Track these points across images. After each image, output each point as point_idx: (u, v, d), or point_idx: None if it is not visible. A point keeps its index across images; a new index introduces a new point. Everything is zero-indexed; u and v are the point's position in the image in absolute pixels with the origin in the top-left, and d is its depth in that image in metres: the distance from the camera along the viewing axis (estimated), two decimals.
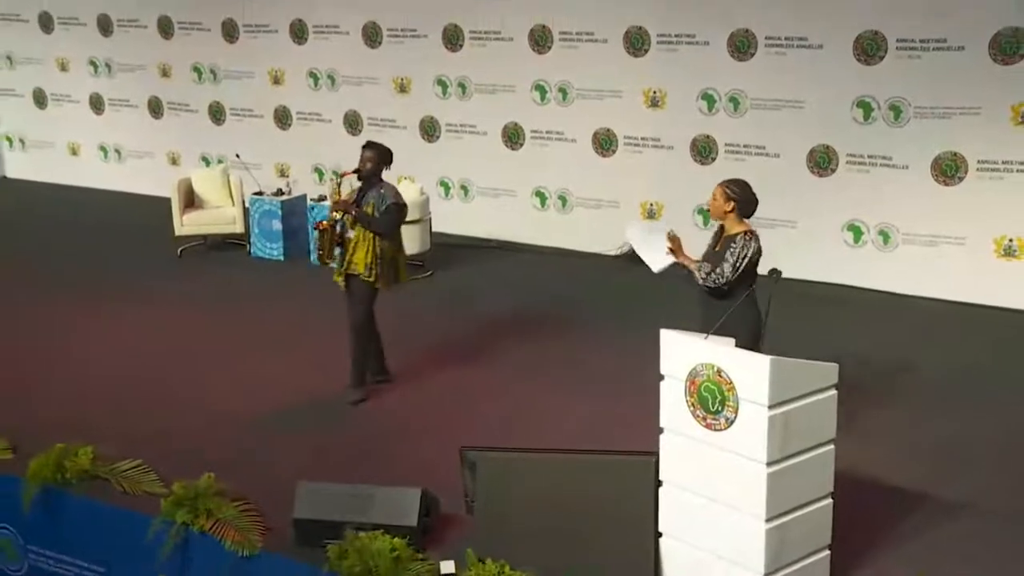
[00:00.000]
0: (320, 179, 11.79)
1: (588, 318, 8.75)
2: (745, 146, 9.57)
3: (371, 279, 7.05)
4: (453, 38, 10.86)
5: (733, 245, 5.58)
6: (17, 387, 7.52)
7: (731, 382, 4.56)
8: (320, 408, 7.12)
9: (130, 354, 8.19)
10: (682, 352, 4.75)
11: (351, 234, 7.07)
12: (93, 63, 13.53)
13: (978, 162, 8.66)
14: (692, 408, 4.73)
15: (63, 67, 13.82)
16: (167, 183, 11.18)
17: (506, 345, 8.17)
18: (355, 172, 7.17)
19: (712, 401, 4.64)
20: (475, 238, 10.96)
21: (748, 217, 5.65)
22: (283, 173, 11.88)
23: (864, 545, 5.29)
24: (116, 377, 7.72)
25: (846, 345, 7.62)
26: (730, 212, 5.62)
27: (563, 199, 10.68)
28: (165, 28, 12.82)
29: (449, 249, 10.61)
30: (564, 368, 7.73)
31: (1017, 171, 8.52)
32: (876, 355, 7.80)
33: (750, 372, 4.50)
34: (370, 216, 7.01)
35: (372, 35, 11.34)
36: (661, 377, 4.88)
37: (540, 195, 10.79)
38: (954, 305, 8.82)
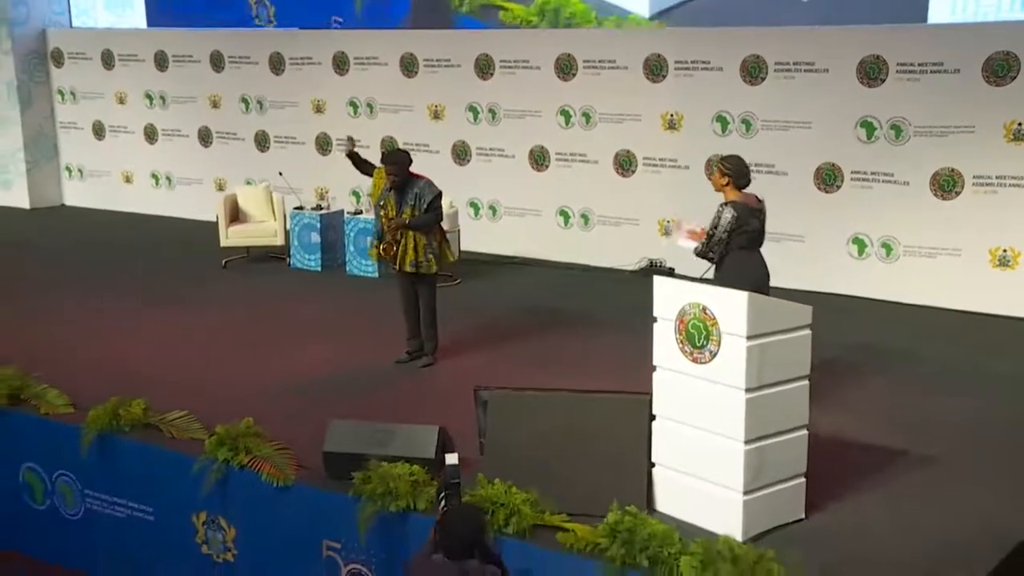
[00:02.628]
0: (357, 201, 12.47)
1: (604, 322, 9.27)
2: (756, 165, 10.03)
3: (432, 268, 7.87)
4: (484, 67, 11.62)
5: (714, 216, 6.27)
6: (77, 365, 8.13)
7: (715, 318, 5.13)
8: (349, 381, 7.71)
9: (179, 341, 8.82)
10: (672, 295, 5.32)
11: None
12: (149, 96, 14.43)
13: (974, 177, 9.20)
14: (681, 345, 5.29)
15: (121, 100, 14.73)
16: (214, 208, 11.95)
17: (523, 340, 8.70)
18: (391, 188, 7.86)
19: (698, 337, 5.20)
20: (502, 256, 11.58)
21: (743, 188, 6.30)
22: (322, 196, 12.60)
23: (840, 485, 5.76)
24: (167, 357, 8.34)
25: (843, 343, 8.22)
26: (726, 185, 6.34)
27: (585, 217, 11.31)
28: (217, 62, 13.70)
29: (477, 265, 11.24)
30: (577, 358, 8.24)
31: (1010, 185, 9.05)
32: (870, 353, 8.31)
33: (731, 308, 5.07)
34: (417, 218, 7.75)
35: (409, 65, 12.13)
36: (654, 320, 5.45)
37: (564, 214, 11.43)
38: (951, 313, 9.29)
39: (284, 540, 6.09)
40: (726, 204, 6.31)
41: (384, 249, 7.92)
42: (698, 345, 5.21)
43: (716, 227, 6.27)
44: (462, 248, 10.94)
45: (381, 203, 7.99)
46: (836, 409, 6.87)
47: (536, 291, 10.44)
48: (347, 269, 11.13)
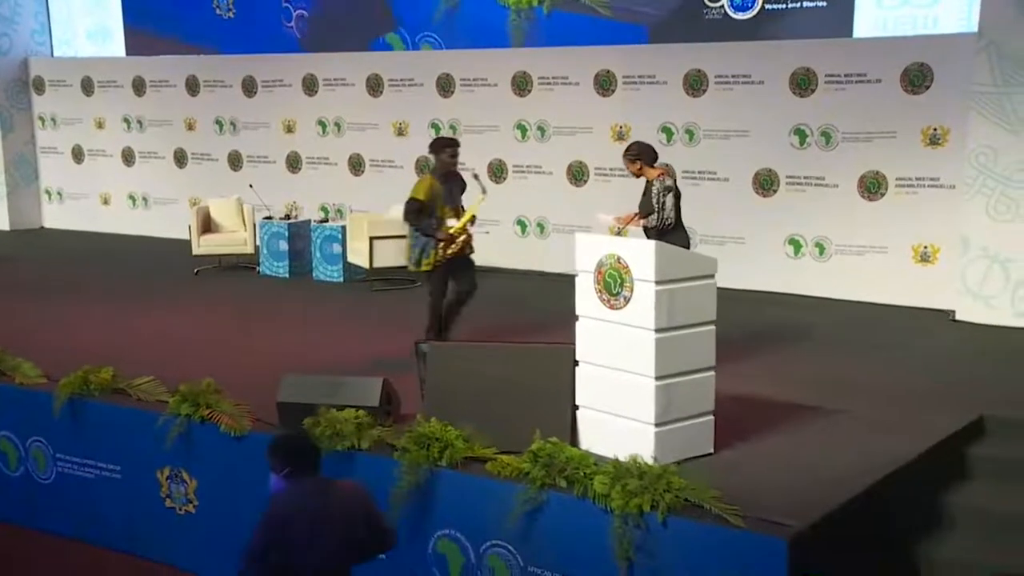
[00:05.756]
0: (325, 215, 13.03)
1: (555, 314, 9.59)
2: (699, 172, 10.80)
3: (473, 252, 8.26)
4: (446, 85, 12.27)
5: (653, 190, 6.94)
6: (51, 352, 8.51)
7: (628, 266, 5.69)
8: (312, 367, 8.14)
9: (150, 334, 9.26)
10: (591, 249, 5.89)
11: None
12: (127, 120, 15.02)
13: (896, 179, 9.85)
14: (599, 294, 5.85)
15: (100, 125, 15.31)
16: (187, 221, 12.50)
17: (481, 332, 9.19)
18: (444, 178, 8.05)
19: (614, 285, 5.76)
20: None
21: (655, 163, 6.99)
22: (291, 209, 13.16)
23: (750, 431, 6.30)
24: (137, 345, 8.79)
25: (775, 331, 8.83)
26: (640, 169, 7.05)
27: (541, 226, 11.91)
28: (192, 86, 14.33)
29: None
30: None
31: (929, 186, 9.70)
32: (800, 338, 8.91)
33: (641, 256, 5.64)
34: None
35: (375, 85, 12.78)
36: (576, 274, 6.02)
37: (521, 223, 12.02)
38: (879, 306, 9.87)
39: (241, 488, 6.55)
40: (659, 176, 7.00)
41: (456, 234, 7.93)
42: (614, 292, 5.77)
43: (663, 194, 6.96)
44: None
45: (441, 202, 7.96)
46: (760, 378, 7.44)
47: (494, 294, 10.88)
48: (313, 275, 11.68)
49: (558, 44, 11.63)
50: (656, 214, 7.08)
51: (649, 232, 7.33)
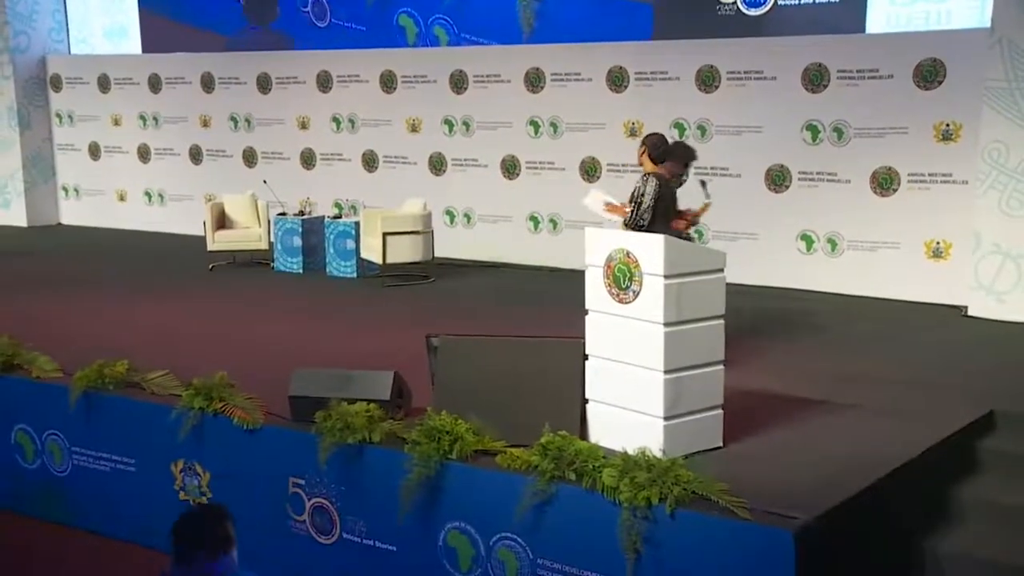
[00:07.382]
0: (339, 211, 13.09)
1: (566, 309, 9.77)
2: (711, 168, 10.71)
3: None
4: (459, 82, 12.31)
5: (636, 187, 6.95)
6: (67, 345, 8.65)
7: (637, 261, 5.72)
8: (324, 359, 8.23)
9: (164, 328, 9.35)
10: (601, 244, 5.92)
11: None
12: (143, 117, 15.12)
13: (908, 175, 9.84)
14: (608, 288, 5.88)
15: (116, 122, 15.42)
16: (202, 217, 12.59)
17: (491, 323, 9.24)
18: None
19: (623, 279, 5.79)
20: (476, 261, 12.18)
21: (659, 161, 6.98)
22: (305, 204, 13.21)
23: (760, 425, 6.32)
24: (151, 340, 8.87)
25: (787, 327, 8.82)
26: (642, 156, 7.08)
27: (554, 222, 11.94)
28: (207, 83, 14.41)
29: (451, 268, 11.86)
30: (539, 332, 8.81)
31: (941, 182, 9.69)
32: (809, 334, 8.92)
33: (650, 250, 5.67)
34: None
35: (388, 82, 12.84)
36: (586, 268, 6.05)
37: (534, 219, 12.05)
38: (892, 302, 9.86)
39: (254, 480, 6.62)
40: (646, 176, 6.98)
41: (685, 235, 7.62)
42: (623, 287, 5.79)
43: (643, 195, 6.94)
44: (436, 254, 11.55)
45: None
46: (771, 374, 7.43)
47: (506, 289, 11.03)
48: (327, 271, 11.73)
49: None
50: (631, 210, 7.04)
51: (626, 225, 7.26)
